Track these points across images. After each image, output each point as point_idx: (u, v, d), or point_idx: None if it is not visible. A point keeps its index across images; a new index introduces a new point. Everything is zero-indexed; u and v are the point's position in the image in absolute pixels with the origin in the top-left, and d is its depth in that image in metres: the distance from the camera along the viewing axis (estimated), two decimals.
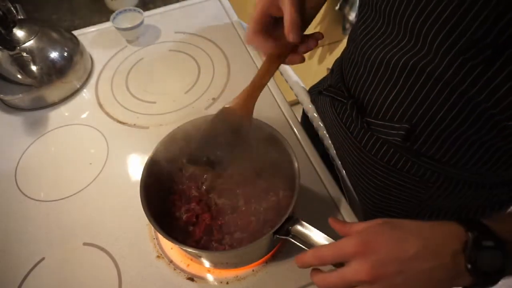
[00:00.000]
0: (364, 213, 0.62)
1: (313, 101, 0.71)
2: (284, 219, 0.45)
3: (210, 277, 0.54)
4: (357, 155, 0.55)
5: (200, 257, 0.50)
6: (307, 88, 0.76)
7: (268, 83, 0.75)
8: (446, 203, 0.52)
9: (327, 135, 0.67)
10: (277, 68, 0.45)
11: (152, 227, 0.58)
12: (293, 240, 0.44)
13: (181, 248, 0.47)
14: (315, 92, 0.69)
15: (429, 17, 0.35)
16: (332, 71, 0.64)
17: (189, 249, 0.45)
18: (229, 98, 0.75)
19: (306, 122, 0.73)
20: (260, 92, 0.46)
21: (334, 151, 0.65)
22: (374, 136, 0.51)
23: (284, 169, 0.55)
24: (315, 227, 0.45)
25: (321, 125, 0.68)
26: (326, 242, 0.43)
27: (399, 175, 0.51)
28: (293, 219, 0.45)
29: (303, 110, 0.74)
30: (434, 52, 0.37)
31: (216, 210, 0.53)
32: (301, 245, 0.44)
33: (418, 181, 0.50)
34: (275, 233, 0.45)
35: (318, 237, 0.44)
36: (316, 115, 0.69)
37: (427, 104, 0.42)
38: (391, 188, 0.54)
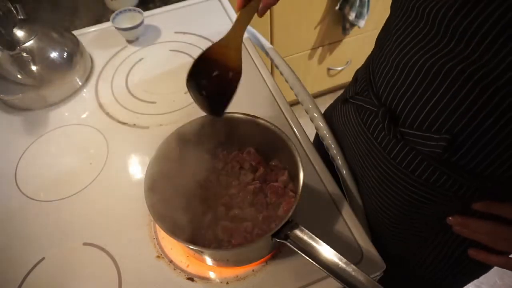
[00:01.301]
0: (366, 214, 0.62)
1: (332, 110, 0.68)
2: (283, 223, 0.45)
3: (210, 277, 0.54)
4: (384, 167, 0.52)
5: (202, 253, 0.50)
6: (307, 87, 0.76)
7: (268, 83, 0.76)
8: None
9: (327, 135, 0.67)
10: (256, 7, 0.50)
11: (152, 227, 0.58)
12: (290, 245, 0.44)
13: (186, 246, 0.47)
14: (337, 102, 0.66)
15: (487, 21, 0.34)
16: (355, 79, 0.60)
17: (191, 246, 0.45)
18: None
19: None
20: (244, 30, 0.51)
21: (334, 151, 0.65)
22: (406, 147, 0.47)
23: (289, 170, 0.56)
24: (315, 230, 0.45)
25: (321, 125, 0.68)
26: (324, 249, 0.43)
27: (430, 190, 0.48)
28: (293, 224, 0.45)
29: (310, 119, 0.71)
30: (491, 56, 0.35)
31: (219, 211, 0.53)
32: (298, 251, 0.44)
33: (452, 196, 0.47)
34: (273, 236, 0.45)
35: (316, 244, 0.44)
36: (316, 115, 0.69)
37: (473, 112, 0.39)
38: (419, 203, 0.50)
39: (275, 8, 1.34)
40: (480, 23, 0.34)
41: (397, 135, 0.47)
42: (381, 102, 0.49)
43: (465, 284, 0.64)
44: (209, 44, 0.85)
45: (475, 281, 0.65)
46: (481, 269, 0.59)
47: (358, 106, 0.56)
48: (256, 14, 0.52)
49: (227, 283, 0.53)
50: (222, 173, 0.58)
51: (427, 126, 0.44)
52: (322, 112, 0.71)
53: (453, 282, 0.62)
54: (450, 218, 0.49)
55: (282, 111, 0.71)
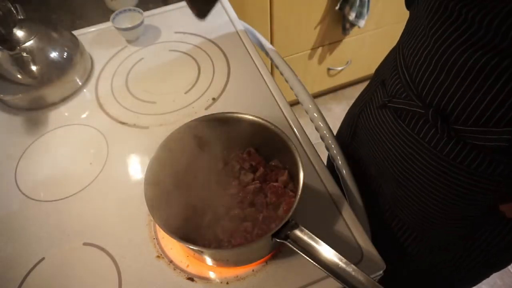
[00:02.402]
0: (368, 215, 0.61)
1: (360, 117, 0.67)
2: (283, 223, 0.45)
3: (210, 277, 0.54)
4: (435, 164, 0.52)
5: (202, 253, 0.50)
6: (307, 87, 0.76)
7: (268, 83, 0.76)
8: None
9: (327, 135, 0.67)
10: None
11: (152, 227, 0.58)
12: (290, 245, 0.44)
13: (186, 246, 0.47)
14: (367, 104, 0.65)
15: None
16: (382, 83, 0.60)
17: (191, 246, 0.45)
18: (229, 98, 0.75)
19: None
20: None
21: (334, 151, 0.65)
22: (460, 143, 0.48)
23: (289, 170, 0.56)
24: (315, 230, 0.45)
25: (321, 125, 0.68)
26: (324, 249, 0.43)
27: (488, 180, 0.49)
28: (293, 224, 0.45)
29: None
30: None
31: (220, 211, 0.53)
32: (298, 251, 0.44)
33: (510, 184, 0.48)
34: (273, 236, 0.45)
35: (316, 244, 0.44)
36: (316, 115, 0.69)
37: None
38: (476, 194, 0.51)
39: (275, 8, 1.34)
40: None
41: (451, 133, 0.47)
42: (426, 103, 0.49)
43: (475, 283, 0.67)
44: (209, 43, 0.85)
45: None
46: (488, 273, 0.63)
47: (396, 109, 0.55)
48: None
49: (227, 283, 0.53)
50: (222, 173, 0.58)
51: (484, 121, 0.44)
52: (322, 112, 0.71)
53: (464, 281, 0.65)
54: (502, 205, 0.50)
55: (282, 111, 0.71)
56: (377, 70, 0.64)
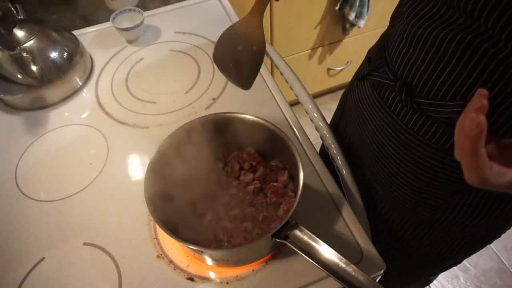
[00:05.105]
0: (368, 214, 0.62)
1: (348, 92, 0.71)
2: (283, 223, 0.45)
3: (210, 277, 0.54)
4: (402, 137, 0.55)
5: (202, 253, 0.50)
6: (307, 87, 0.76)
7: (268, 83, 0.76)
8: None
9: (327, 135, 0.67)
10: None
11: (152, 227, 0.58)
12: (290, 245, 0.44)
13: (186, 246, 0.47)
14: (353, 81, 0.69)
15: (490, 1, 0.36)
16: (369, 59, 0.63)
17: (191, 246, 0.45)
18: (229, 98, 0.75)
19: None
20: (263, 9, 0.53)
21: (334, 151, 0.65)
22: (423, 116, 0.50)
23: (289, 170, 0.56)
24: (315, 230, 0.45)
25: (321, 125, 0.68)
26: (324, 249, 0.43)
27: (447, 155, 0.51)
28: (293, 224, 0.45)
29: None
30: (490, 29, 0.38)
31: (220, 211, 0.53)
32: (298, 251, 0.44)
33: None
34: (273, 236, 0.45)
35: (316, 244, 0.44)
36: (316, 115, 0.69)
37: (483, 80, 0.42)
38: (438, 169, 0.53)
39: (275, 8, 1.34)
40: (484, 2, 0.37)
41: (414, 105, 0.50)
42: (397, 76, 0.52)
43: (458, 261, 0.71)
44: (209, 43, 0.85)
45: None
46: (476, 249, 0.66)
47: (374, 82, 0.58)
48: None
49: (227, 283, 0.53)
50: (222, 173, 0.58)
51: (442, 94, 0.46)
52: (322, 112, 0.71)
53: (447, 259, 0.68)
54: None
55: (282, 111, 0.71)
56: (369, 49, 0.67)
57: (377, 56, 0.59)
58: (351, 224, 0.57)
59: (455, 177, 0.52)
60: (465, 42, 0.41)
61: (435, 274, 0.83)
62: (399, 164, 0.57)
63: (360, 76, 0.63)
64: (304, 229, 0.45)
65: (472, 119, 0.27)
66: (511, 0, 0.35)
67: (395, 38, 0.52)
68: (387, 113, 0.56)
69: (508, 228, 0.62)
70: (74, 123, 0.74)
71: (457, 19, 0.41)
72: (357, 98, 0.65)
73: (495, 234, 0.64)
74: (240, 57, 0.52)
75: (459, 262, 0.74)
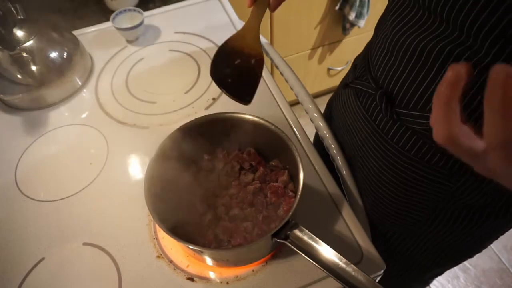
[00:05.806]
0: (368, 215, 0.62)
1: (333, 99, 0.70)
2: (283, 223, 0.45)
3: (210, 277, 0.54)
4: (383, 148, 0.54)
5: (202, 253, 0.50)
6: (307, 88, 0.76)
7: (268, 83, 0.76)
8: (471, 198, 0.51)
9: (327, 135, 0.67)
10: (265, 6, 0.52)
11: (152, 227, 0.58)
12: (290, 245, 0.44)
13: (186, 246, 0.47)
14: (339, 88, 0.68)
15: (465, 6, 0.36)
16: (355, 66, 0.63)
17: (191, 246, 0.45)
18: (229, 98, 0.75)
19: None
20: (259, 21, 0.53)
21: (334, 151, 0.65)
22: (403, 127, 0.49)
23: (289, 170, 0.56)
24: (315, 230, 0.45)
25: (321, 125, 0.68)
26: (324, 249, 0.43)
27: (426, 168, 0.50)
28: (293, 224, 0.45)
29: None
30: (472, 38, 0.37)
31: (221, 211, 0.53)
32: (298, 251, 0.44)
33: (446, 174, 0.49)
34: (273, 236, 0.45)
35: (316, 244, 0.44)
36: (316, 115, 0.69)
37: (464, 90, 0.41)
38: (418, 182, 0.52)
39: None
40: (467, 12, 0.37)
41: (394, 115, 0.49)
42: (379, 85, 0.52)
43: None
44: (209, 43, 0.85)
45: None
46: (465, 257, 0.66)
47: (357, 90, 0.58)
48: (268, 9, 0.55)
49: (227, 283, 0.53)
50: (222, 173, 0.58)
51: (421, 105, 0.46)
52: (322, 112, 0.71)
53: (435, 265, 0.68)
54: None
55: (282, 111, 0.71)
56: (356, 57, 0.67)
57: (361, 63, 0.58)
58: (351, 224, 0.57)
59: (436, 191, 0.52)
60: (446, 51, 0.40)
61: (431, 279, 0.83)
62: (381, 176, 0.57)
63: (345, 83, 0.63)
64: (304, 229, 0.45)
65: (453, 68, 0.26)
66: (493, 8, 0.34)
67: (378, 46, 0.52)
68: (369, 122, 0.55)
69: (495, 239, 0.62)
70: (74, 123, 0.74)
71: (438, 27, 0.41)
72: (341, 105, 0.65)
73: (481, 244, 0.63)
74: (238, 71, 0.52)
75: (449, 268, 0.74)
